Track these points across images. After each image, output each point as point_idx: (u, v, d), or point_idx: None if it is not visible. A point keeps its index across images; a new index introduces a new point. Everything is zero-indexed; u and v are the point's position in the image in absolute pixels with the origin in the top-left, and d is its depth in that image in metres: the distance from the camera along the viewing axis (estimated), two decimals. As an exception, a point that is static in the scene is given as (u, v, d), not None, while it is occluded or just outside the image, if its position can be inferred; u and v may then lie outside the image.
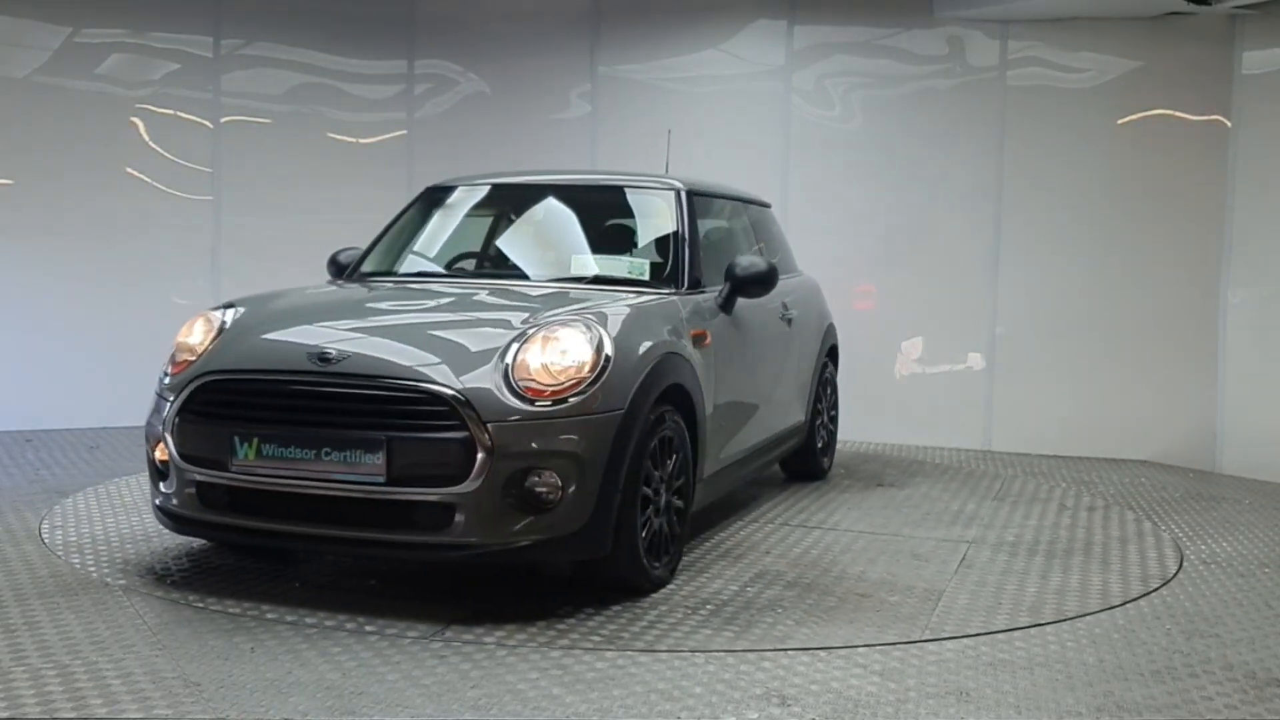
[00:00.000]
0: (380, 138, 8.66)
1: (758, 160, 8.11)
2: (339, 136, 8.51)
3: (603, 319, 4.29)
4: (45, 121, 7.71)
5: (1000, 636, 3.97)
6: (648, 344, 4.36)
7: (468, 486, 3.88)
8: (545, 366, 4.06)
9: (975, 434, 7.96)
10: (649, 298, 4.79)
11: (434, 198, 5.73)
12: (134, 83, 7.95)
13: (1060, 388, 7.80)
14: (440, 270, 5.41)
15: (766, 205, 6.66)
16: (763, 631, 3.93)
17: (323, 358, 4.10)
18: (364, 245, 5.70)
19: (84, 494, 5.80)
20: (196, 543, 4.82)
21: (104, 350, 7.71)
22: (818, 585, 4.52)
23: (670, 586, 4.44)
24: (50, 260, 7.73)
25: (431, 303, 4.85)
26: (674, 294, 4.92)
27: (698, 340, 4.79)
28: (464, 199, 5.72)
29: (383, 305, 4.80)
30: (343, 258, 5.67)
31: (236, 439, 4.08)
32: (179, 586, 4.26)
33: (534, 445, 3.95)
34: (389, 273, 5.38)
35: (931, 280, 8.05)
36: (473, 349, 4.13)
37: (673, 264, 5.09)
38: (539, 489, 3.97)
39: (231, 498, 4.17)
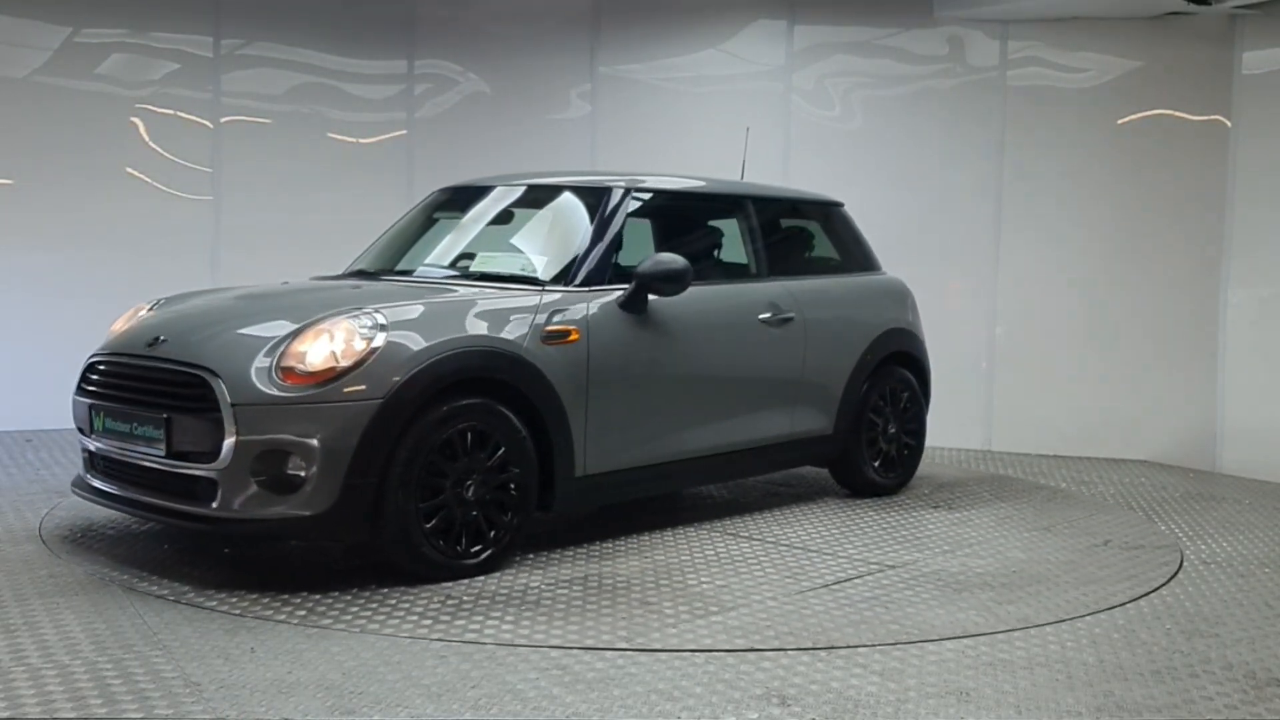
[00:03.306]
0: (380, 138, 8.66)
1: (757, 160, 8.09)
2: (339, 136, 8.51)
3: (383, 313, 4.39)
4: (45, 121, 7.71)
5: (1000, 636, 3.97)
6: (440, 338, 4.41)
7: (220, 464, 4.17)
8: (316, 355, 4.22)
9: (975, 434, 7.96)
10: (496, 294, 4.80)
11: (424, 202, 5.97)
12: (134, 83, 7.95)
13: (1060, 388, 7.80)
14: (378, 269, 5.53)
15: (834, 204, 6.55)
16: (472, 625, 3.88)
17: (150, 343, 4.54)
18: (365, 245, 5.91)
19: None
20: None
21: (104, 350, 7.71)
22: (624, 590, 4.35)
23: (479, 579, 4.41)
24: (50, 260, 7.74)
25: (297, 299, 4.93)
26: (540, 291, 4.86)
27: (555, 337, 4.74)
28: (438, 202, 5.90)
29: (264, 303, 4.91)
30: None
31: (92, 413, 4.67)
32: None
33: (278, 429, 4.16)
34: (351, 273, 5.61)
35: (931, 280, 8.04)
36: (261, 337, 4.37)
37: (567, 262, 5.08)
38: (287, 470, 4.16)
39: (105, 465, 4.69)
